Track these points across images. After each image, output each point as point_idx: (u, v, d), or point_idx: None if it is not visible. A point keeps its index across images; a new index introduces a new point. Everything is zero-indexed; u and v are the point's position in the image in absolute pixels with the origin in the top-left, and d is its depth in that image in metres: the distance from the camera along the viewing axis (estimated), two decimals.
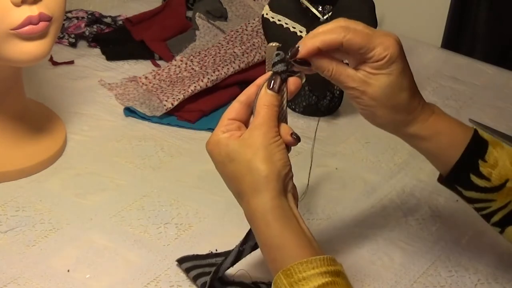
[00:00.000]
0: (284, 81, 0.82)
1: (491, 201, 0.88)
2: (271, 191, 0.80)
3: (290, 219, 0.80)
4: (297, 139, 0.84)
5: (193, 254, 0.99)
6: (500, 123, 1.37)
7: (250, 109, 0.84)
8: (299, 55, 0.82)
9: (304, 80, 0.84)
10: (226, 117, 0.84)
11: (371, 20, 1.27)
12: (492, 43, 1.63)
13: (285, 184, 0.82)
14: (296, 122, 1.32)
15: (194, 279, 0.96)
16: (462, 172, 0.88)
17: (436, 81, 1.50)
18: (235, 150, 0.81)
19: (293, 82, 0.84)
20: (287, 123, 0.85)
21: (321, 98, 1.34)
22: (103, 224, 1.05)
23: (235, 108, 0.84)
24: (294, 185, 0.84)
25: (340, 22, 0.83)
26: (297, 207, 0.83)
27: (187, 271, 0.97)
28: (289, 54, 0.83)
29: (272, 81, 0.82)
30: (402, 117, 0.86)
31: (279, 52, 0.82)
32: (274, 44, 0.83)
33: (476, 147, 0.87)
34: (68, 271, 0.97)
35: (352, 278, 1.00)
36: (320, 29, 0.83)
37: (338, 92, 1.35)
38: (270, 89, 0.82)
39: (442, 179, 0.91)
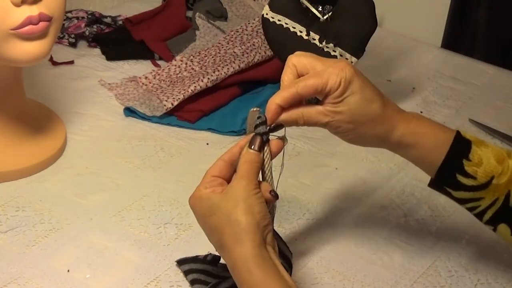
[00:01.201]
0: (265, 142, 0.86)
1: (479, 199, 0.90)
2: (251, 241, 0.81)
3: (271, 267, 0.82)
4: (275, 196, 0.87)
5: (192, 256, 0.99)
6: (500, 123, 1.37)
7: (233, 168, 0.87)
8: (269, 122, 0.86)
9: (286, 143, 0.89)
10: (209, 174, 0.87)
11: (371, 20, 1.27)
12: (492, 43, 1.63)
13: (264, 235, 0.83)
14: None
15: (191, 283, 0.96)
16: (448, 173, 0.89)
17: (436, 81, 1.50)
18: (216, 204, 0.83)
19: (275, 144, 0.88)
20: (272, 183, 0.88)
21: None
22: (103, 224, 1.05)
23: (218, 165, 0.87)
24: (273, 238, 0.85)
25: (288, 73, 0.88)
26: (277, 258, 0.84)
27: (185, 273, 0.97)
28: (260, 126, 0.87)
29: (253, 142, 0.86)
30: (383, 128, 0.88)
31: (260, 115, 0.86)
32: (255, 109, 0.87)
33: (460, 147, 0.89)
34: (68, 271, 0.97)
35: (352, 278, 1.01)
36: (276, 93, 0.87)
37: None
38: (251, 149, 0.86)
39: (431, 183, 0.93)
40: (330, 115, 0.87)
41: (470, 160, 0.88)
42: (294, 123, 0.88)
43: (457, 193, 0.90)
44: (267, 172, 0.87)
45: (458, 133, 0.90)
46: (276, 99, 0.86)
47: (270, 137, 0.87)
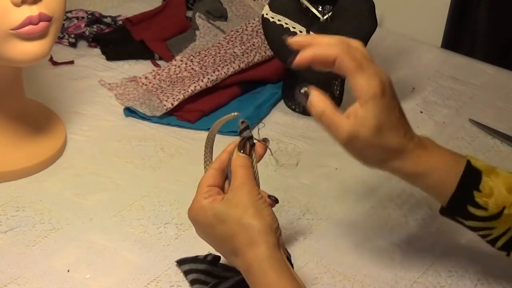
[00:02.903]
0: (252, 146, 0.88)
1: (491, 228, 0.90)
2: (265, 243, 0.82)
3: (285, 268, 0.82)
4: (275, 200, 0.88)
5: (192, 256, 0.99)
6: (500, 123, 1.37)
7: (225, 175, 0.88)
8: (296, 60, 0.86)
9: (269, 144, 0.90)
10: (204, 184, 0.87)
11: (371, 20, 1.27)
12: (492, 43, 1.63)
13: (277, 237, 0.84)
14: (296, 122, 1.32)
15: (191, 283, 0.96)
16: (459, 205, 0.89)
17: (436, 81, 1.50)
18: (223, 212, 0.84)
19: (259, 145, 0.89)
20: (259, 186, 0.88)
21: None
22: (103, 224, 1.05)
23: (212, 175, 0.88)
24: (283, 242, 0.86)
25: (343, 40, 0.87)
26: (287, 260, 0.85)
27: (185, 273, 0.97)
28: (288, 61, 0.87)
29: (243, 146, 0.87)
30: (393, 156, 0.87)
31: (244, 120, 0.88)
32: (235, 113, 0.89)
33: (470, 179, 0.88)
34: (68, 271, 0.97)
35: (352, 278, 1.01)
36: (323, 39, 0.86)
37: (338, 92, 1.35)
38: (241, 153, 0.87)
39: (442, 211, 0.92)
40: (352, 117, 0.85)
41: (480, 191, 0.87)
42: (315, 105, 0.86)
43: (468, 222, 0.90)
44: (255, 175, 0.88)
45: (468, 163, 0.89)
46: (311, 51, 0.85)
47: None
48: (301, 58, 0.86)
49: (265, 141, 0.90)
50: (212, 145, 0.92)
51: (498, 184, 0.88)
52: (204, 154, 0.92)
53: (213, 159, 0.91)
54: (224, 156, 0.88)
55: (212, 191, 0.86)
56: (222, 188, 0.88)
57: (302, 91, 0.86)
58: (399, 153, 0.87)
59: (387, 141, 0.85)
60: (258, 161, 0.89)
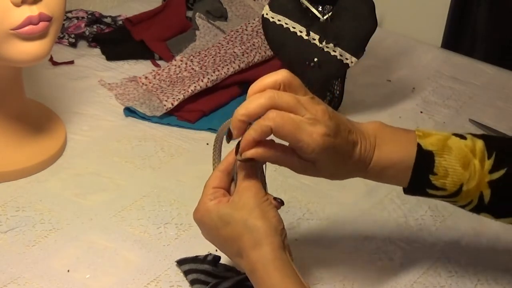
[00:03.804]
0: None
1: (455, 202, 0.91)
2: (270, 244, 0.82)
3: (290, 270, 0.82)
4: (280, 202, 0.88)
5: (192, 256, 0.99)
6: (500, 123, 1.37)
7: (231, 177, 0.88)
8: (242, 154, 0.83)
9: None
10: (210, 186, 0.87)
11: (371, 20, 1.27)
12: (492, 43, 1.63)
13: (282, 239, 0.84)
14: None
15: (191, 283, 0.96)
16: (418, 189, 0.90)
17: (436, 81, 1.50)
18: (229, 214, 0.84)
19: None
20: (266, 188, 0.88)
21: (321, 98, 1.34)
22: (103, 224, 1.05)
23: (217, 176, 0.88)
24: (288, 244, 0.86)
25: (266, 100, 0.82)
26: (293, 262, 0.85)
27: (185, 273, 0.97)
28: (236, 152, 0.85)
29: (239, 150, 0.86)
30: (353, 168, 0.89)
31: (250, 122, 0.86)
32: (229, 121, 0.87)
33: (423, 164, 0.88)
34: (68, 271, 0.97)
35: (352, 278, 1.01)
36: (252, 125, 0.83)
37: (338, 92, 1.35)
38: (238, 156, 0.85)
39: (405, 191, 0.92)
40: (304, 169, 0.87)
41: (436, 174, 0.88)
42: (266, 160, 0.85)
43: (433, 199, 0.92)
44: (262, 177, 0.88)
45: (419, 147, 0.88)
46: (251, 134, 0.82)
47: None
48: (244, 148, 0.83)
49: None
50: (221, 146, 0.91)
51: (452, 162, 0.88)
52: (213, 155, 0.92)
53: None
54: (230, 158, 0.88)
55: (217, 193, 0.86)
56: (228, 190, 0.88)
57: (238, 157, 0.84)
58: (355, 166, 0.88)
59: (345, 159, 0.87)
60: (264, 162, 0.88)
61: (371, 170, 0.89)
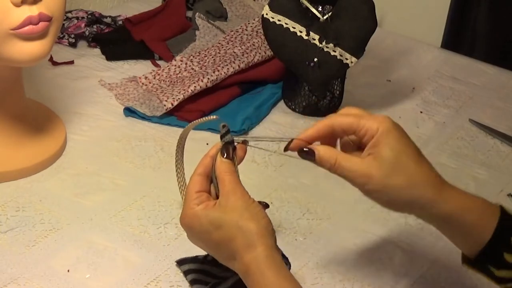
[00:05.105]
0: (233, 149, 0.89)
1: None
2: (263, 245, 0.82)
3: (283, 269, 0.83)
4: (265, 205, 0.89)
5: (192, 256, 0.99)
6: (500, 123, 1.37)
7: (210, 180, 0.89)
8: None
9: (248, 144, 0.91)
10: (192, 190, 0.87)
11: (371, 20, 1.27)
12: (492, 43, 1.63)
13: (274, 239, 0.84)
14: (296, 122, 1.32)
15: (191, 283, 0.96)
16: (495, 251, 0.84)
17: (436, 81, 1.50)
18: (219, 217, 0.84)
19: (240, 147, 0.90)
20: None
21: (321, 98, 1.34)
22: (103, 224, 1.05)
23: (198, 181, 0.88)
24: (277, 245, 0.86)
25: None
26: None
27: (185, 273, 0.97)
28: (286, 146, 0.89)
29: (226, 151, 0.88)
30: (423, 193, 0.83)
31: (225, 124, 0.89)
32: (214, 117, 0.91)
33: (508, 223, 0.84)
34: (68, 271, 0.97)
35: (352, 278, 1.01)
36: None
37: (338, 92, 1.35)
38: (224, 157, 0.87)
39: (468, 261, 0.88)
40: (366, 163, 0.84)
41: None
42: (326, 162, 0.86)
43: (500, 272, 0.85)
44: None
45: (503, 208, 0.85)
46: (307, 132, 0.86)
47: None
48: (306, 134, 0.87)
49: (244, 143, 0.90)
50: (184, 145, 0.92)
51: None
52: (176, 154, 0.93)
53: (197, 164, 0.91)
54: (207, 161, 0.89)
55: (202, 197, 0.87)
56: (209, 193, 0.89)
57: (306, 149, 0.87)
58: (428, 187, 0.83)
59: (410, 171, 0.83)
60: (239, 163, 0.89)
61: (450, 206, 0.83)
